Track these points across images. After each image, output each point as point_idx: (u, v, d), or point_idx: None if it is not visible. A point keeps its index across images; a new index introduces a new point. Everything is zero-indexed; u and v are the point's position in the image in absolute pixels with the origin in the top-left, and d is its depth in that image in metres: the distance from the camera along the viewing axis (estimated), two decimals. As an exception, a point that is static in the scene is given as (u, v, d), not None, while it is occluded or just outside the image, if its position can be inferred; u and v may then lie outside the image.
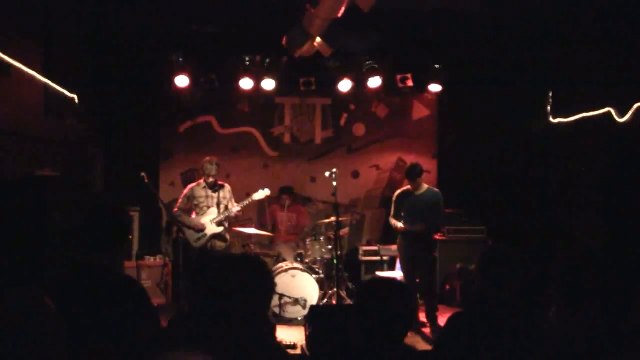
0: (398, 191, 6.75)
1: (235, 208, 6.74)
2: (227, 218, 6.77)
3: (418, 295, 6.64)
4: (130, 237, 7.30)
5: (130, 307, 2.44)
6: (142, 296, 2.56)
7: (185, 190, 6.91)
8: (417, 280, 6.47)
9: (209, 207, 6.72)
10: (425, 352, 5.21)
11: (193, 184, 6.91)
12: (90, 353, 2.16)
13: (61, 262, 3.01)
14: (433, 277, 6.68)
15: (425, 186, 6.57)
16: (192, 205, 6.79)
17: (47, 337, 1.79)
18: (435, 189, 6.67)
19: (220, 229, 6.74)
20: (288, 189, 8.01)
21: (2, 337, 1.72)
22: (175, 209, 6.83)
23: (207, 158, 6.80)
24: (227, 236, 6.90)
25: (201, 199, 6.75)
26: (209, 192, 6.76)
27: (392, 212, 6.67)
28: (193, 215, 6.81)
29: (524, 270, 2.81)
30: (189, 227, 6.67)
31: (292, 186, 8.20)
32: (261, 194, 6.93)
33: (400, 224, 6.43)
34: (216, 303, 2.40)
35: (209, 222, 6.68)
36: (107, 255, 2.56)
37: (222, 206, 6.74)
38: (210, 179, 6.71)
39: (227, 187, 6.91)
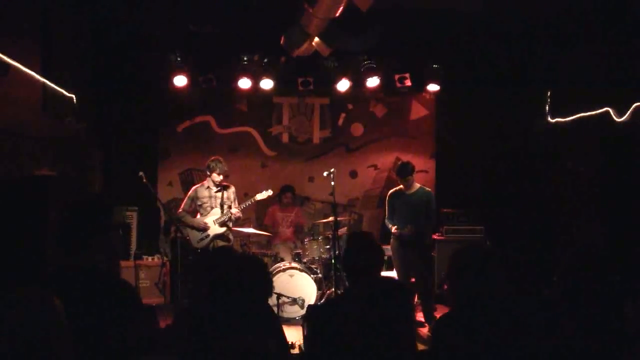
0: (390, 191, 6.75)
1: (233, 210, 6.71)
2: (231, 219, 6.75)
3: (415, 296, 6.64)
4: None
5: (112, 308, 2.33)
6: (130, 297, 2.46)
7: (189, 192, 6.89)
8: (413, 280, 6.49)
9: (212, 208, 6.70)
10: (422, 351, 5.21)
11: (197, 185, 6.90)
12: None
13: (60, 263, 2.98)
14: (429, 278, 6.67)
15: (417, 186, 6.56)
16: (196, 206, 6.76)
17: (56, 337, 1.79)
18: (427, 189, 6.64)
19: (224, 229, 6.71)
20: (290, 188, 8.02)
21: (12, 336, 1.73)
22: (180, 210, 6.83)
23: (213, 157, 6.78)
24: (231, 237, 6.88)
25: (205, 200, 6.71)
26: (213, 192, 6.73)
27: (386, 214, 6.68)
28: (198, 216, 6.79)
29: (510, 266, 2.79)
30: (193, 227, 6.65)
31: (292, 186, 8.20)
32: (264, 194, 6.91)
33: (393, 227, 6.44)
34: (217, 299, 2.41)
35: (212, 222, 6.66)
36: (85, 255, 2.41)
37: (225, 207, 6.70)
38: (219, 178, 6.65)
39: (232, 188, 6.88)
